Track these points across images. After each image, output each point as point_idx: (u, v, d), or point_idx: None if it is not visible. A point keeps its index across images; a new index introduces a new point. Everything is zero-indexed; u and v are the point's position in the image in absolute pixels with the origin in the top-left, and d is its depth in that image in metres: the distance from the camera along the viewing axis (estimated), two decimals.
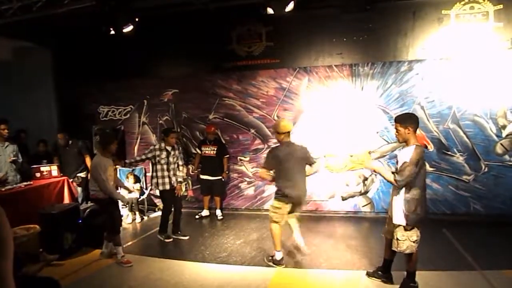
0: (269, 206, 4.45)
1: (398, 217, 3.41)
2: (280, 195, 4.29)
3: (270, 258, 4.45)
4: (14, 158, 5.69)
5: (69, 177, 6.07)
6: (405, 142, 3.46)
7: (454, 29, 5.75)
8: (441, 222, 5.66)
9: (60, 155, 6.50)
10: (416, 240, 3.41)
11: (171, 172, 5.39)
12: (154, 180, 5.41)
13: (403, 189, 3.35)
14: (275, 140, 6.58)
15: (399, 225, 3.42)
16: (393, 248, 3.53)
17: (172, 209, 5.57)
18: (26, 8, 5.08)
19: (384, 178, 3.51)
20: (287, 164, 4.23)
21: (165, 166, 5.33)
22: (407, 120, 3.42)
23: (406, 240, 3.41)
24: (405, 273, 3.60)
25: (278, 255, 4.34)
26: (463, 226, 5.51)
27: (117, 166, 7.19)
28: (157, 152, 5.33)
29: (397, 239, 3.44)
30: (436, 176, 6.00)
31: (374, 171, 3.63)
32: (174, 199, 5.50)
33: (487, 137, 5.77)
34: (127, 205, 6.51)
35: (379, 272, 3.89)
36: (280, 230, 4.36)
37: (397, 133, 3.48)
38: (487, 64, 5.66)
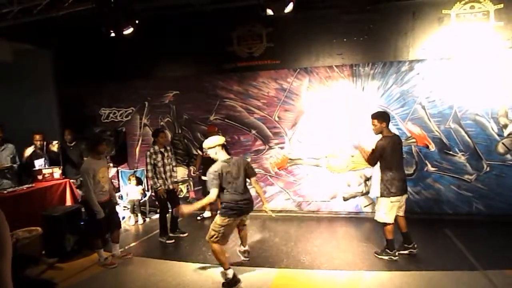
0: (215, 220, 4.01)
1: (375, 191, 4.36)
2: (229, 210, 3.96)
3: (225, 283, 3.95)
4: (7, 166, 5.70)
5: (70, 178, 6.08)
6: (380, 134, 4.31)
7: (455, 29, 5.73)
8: (443, 222, 5.67)
9: (66, 154, 6.47)
10: (387, 212, 4.23)
11: (167, 174, 5.49)
12: (151, 182, 5.48)
13: (379, 169, 4.30)
14: (276, 141, 6.66)
15: (377, 198, 4.34)
16: (375, 217, 4.44)
17: (170, 210, 5.64)
18: (27, 11, 5.09)
19: (362, 155, 4.53)
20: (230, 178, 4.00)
21: (161, 169, 5.42)
22: (382, 117, 4.31)
23: (379, 211, 4.31)
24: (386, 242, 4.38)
25: (230, 272, 3.91)
26: (465, 226, 5.50)
27: (118, 168, 7.25)
28: (154, 156, 5.38)
29: (376, 208, 4.43)
30: (438, 176, 5.99)
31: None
32: (171, 200, 5.58)
33: (488, 137, 5.75)
34: (127, 208, 6.54)
35: (405, 245, 4.48)
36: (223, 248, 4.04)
37: (373, 127, 4.32)
38: (488, 64, 5.64)
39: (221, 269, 4.01)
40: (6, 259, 1.30)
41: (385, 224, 4.32)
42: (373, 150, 4.31)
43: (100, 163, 4.63)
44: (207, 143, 4.08)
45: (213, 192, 3.88)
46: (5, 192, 5.10)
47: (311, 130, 6.46)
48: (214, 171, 3.91)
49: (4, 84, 6.52)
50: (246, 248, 4.65)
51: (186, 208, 4.21)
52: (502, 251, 4.43)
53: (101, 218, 4.46)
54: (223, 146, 4.13)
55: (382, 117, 4.32)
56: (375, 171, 4.40)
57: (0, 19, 5.26)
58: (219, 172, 3.91)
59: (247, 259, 4.59)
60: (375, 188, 4.36)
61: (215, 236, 3.91)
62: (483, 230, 5.34)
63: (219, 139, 4.09)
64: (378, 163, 4.32)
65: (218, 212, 4.06)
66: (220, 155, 4.05)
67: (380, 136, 4.35)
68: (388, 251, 4.37)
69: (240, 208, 3.98)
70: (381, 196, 4.26)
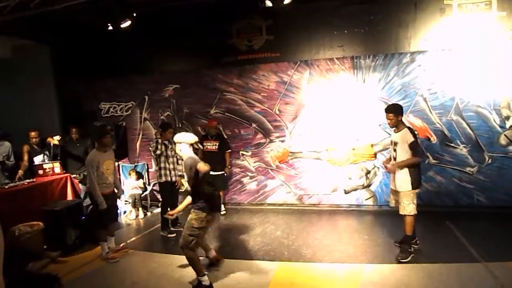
0: (189, 223, 3.74)
1: (403, 185, 4.20)
2: (207, 207, 3.75)
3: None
4: (1, 161, 5.72)
5: (72, 173, 6.09)
6: (396, 127, 4.30)
7: (457, 20, 5.67)
8: (445, 214, 5.66)
9: (69, 151, 6.43)
10: (415, 203, 4.21)
11: (171, 166, 5.54)
12: (157, 173, 5.56)
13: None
14: (277, 134, 6.63)
15: (404, 192, 4.19)
16: (401, 212, 4.26)
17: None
18: (24, 5, 5.04)
19: (409, 164, 4.18)
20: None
21: (162, 158, 5.49)
22: (398, 110, 4.27)
23: (410, 204, 4.17)
24: (404, 238, 4.35)
25: (207, 279, 3.72)
26: (466, 218, 5.49)
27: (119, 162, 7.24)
28: (159, 146, 5.46)
29: (404, 203, 4.20)
30: (439, 168, 5.96)
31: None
32: (172, 193, 5.62)
33: (490, 128, 5.71)
34: (129, 202, 6.56)
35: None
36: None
37: (389, 121, 4.29)
38: (490, 55, 5.58)
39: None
40: None
41: (412, 219, 4.24)
42: (410, 144, 4.11)
43: (105, 155, 4.66)
44: (177, 137, 3.95)
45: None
46: (6, 187, 5.11)
47: (312, 123, 6.43)
48: (191, 161, 3.73)
49: (2, 80, 6.48)
50: (214, 253, 4.30)
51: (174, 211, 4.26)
52: (504, 244, 4.43)
53: (103, 209, 4.50)
54: (192, 146, 3.96)
55: (397, 110, 4.28)
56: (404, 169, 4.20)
57: None
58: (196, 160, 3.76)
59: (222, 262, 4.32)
60: (403, 182, 4.20)
61: (193, 242, 3.69)
62: (484, 223, 5.33)
63: (192, 138, 3.94)
64: (404, 156, 4.19)
65: (194, 211, 3.75)
66: (186, 152, 3.85)
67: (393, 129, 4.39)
68: (410, 250, 4.26)
69: (217, 203, 3.99)
70: (412, 189, 4.19)
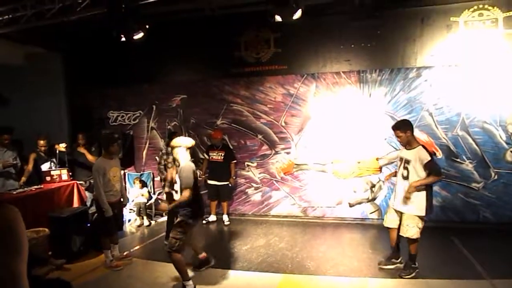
0: (175, 227, 3.95)
1: (413, 208, 3.95)
2: (192, 212, 3.92)
3: None
4: (13, 162, 5.71)
5: (80, 179, 6.15)
6: (408, 144, 4.05)
7: (463, 36, 5.72)
8: (450, 230, 5.61)
9: (76, 159, 6.48)
10: (420, 227, 4.00)
11: None
12: (163, 183, 5.55)
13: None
14: (282, 146, 6.66)
15: (412, 215, 3.97)
16: (401, 234, 4.09)
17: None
18: (40, 15, 5.19)
19: (428, 183, 3.93)
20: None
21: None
22: (405, 126, 4.03)
23: (414, 227, 3.97)
24: (408, 256, 4.14)
25: (191, 284, 3.92)
26: (472, 234, 5.46)
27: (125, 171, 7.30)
28: (164, 157, 5.50)
29: (407, 225, 4.00)
30: (445, 184, 5.94)
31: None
32: None
33: (496, 144, 5.71)
34: (134, 210, 6.60)
35: (393, 260, 4.34)
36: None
37: (398, 138, 4.07)
38: (497, 71, 5.62)
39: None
40: (22, 259, 1.30)
41: (414, 241, 4.04)
42: (427, 164, 3.85)
43: (111, 163, 4.73)
44: (175, 140, 4.06)
45: (189, 192, 3.79)
46: (14, 193, 5.17)
47: (318, 135, 6.46)
48: (189, 170, 3.86)
49: (15, 87, 6.61)
50: (203, 254, 4.49)
51: (164, 205, 4.37)
52: (510, 260, 4.39)
53: (109, 216, 4.55)
54: (190, 149, 4.07)
55: (404, 125, 4.03)
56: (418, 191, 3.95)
57: (13, 23, 5.37)
58: (193, 170, 3.94)
59: (213, 262, 4.52)
60: (416, 206, 3.94)
61: (177, 244, 3.84)
62: (490, 239, 5.29)
63: (189, 142, 4.05)
64: (417, 176, 3.92)
65: (180, 215, 3.92)
66: (184, 156, 3.96)
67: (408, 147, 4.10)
68: (414, 265, 4.11)
69: (202, 211, 4.20)
70: (426, 214, 3.95)
